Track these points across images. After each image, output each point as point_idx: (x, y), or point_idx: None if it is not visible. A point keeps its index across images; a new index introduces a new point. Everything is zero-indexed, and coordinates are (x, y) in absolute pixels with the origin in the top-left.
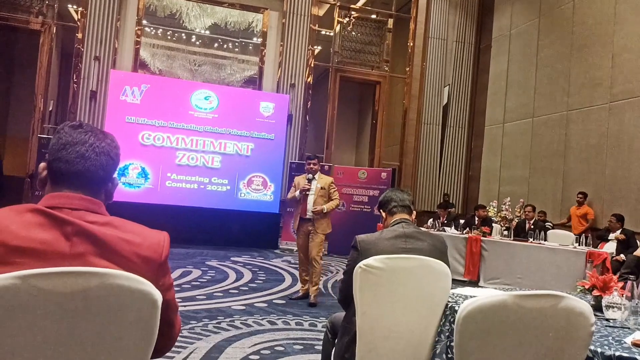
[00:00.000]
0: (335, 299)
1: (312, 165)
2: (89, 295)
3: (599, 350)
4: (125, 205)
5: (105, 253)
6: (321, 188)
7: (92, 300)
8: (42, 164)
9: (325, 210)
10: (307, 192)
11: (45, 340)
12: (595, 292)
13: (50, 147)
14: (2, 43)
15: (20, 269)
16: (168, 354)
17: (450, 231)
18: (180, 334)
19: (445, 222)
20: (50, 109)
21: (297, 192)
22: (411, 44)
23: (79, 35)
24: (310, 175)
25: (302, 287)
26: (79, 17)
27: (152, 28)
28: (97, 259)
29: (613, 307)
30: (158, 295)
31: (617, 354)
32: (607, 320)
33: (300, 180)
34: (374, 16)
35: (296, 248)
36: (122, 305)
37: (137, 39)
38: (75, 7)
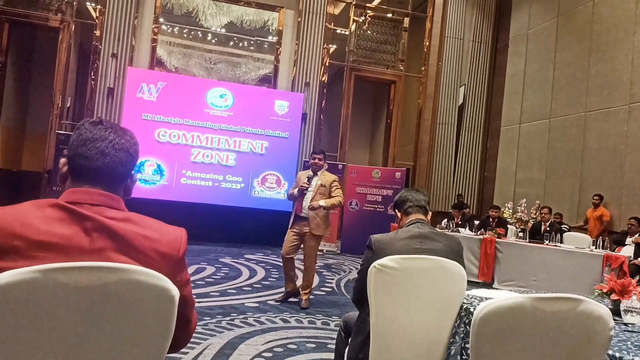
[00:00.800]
0: (348, 298)
1: (317, 160)
2: (108, 290)
3: (617, 355)
4: (140, 201)
5: (124, 248)
6: (321, 185)
7: (111, 295)
8: (63, 160)
9: (323, 207)
10: (306, 191)
11: (63, 334)
12: (614, 296)
13: (71, 143)
14: (22, 40)
15: (40, 263)
16: (182, 350)
17: (465, 232)
18: None
19: (460, 223)
20: (68, 105)
21: (296, 190)
22: (427, 44)
23: (97, 33)
24: (311, 173)
25: (288, 284)
26: (97, 15)
27: (168, 26)
28: (116, 254)
29: (632, 312)
30: (175, 291)
31: (636, 359)
32: (626, 324)
33: (302, 175)
34: (389, 15)
35: None
36: (140, 301)
37: (154, 37)
38: (93, 4)
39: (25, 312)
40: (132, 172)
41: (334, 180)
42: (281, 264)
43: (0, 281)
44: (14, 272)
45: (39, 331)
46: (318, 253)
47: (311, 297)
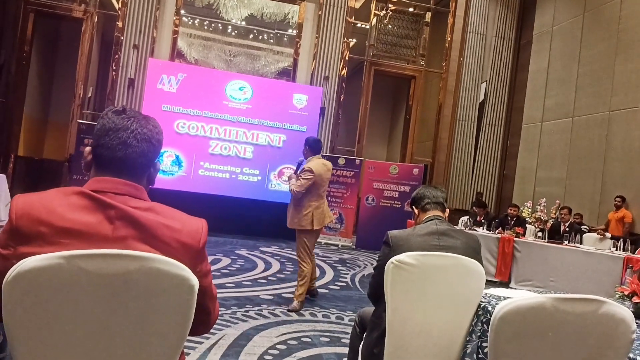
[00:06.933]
0: (362, 293)
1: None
2: (130, 277)
3: (639, 358)
4: (158, 192)
5: (146, 237)
6: None
7: (132, 283)
8: (87, 148)
9: None
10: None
11: (85, 319)
12: (635, 299)
13: (95, 133)
14: (46, 30)
15: (65, 250)
16: (197, 340)
17: (482, 231)
18: None
19: (484, 221)
20: (90, 95)
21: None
22: (449, 39)
23: (119, 24)
24: (302, 158)
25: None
26: (120, 6)
27: (189, 18)
28: (138, 243)
29: None
30: (195, 281)
31: None
32: None
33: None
34: (411, 9)
35: (325, 241)
36: (160, 289)
37: (175, 29)
38: None
39: (49, 297)
40: (155, 160)
41: None
42: (295, 258)
43: (26, 266)
44: (40, 257)
45: (63, 315)
46: (332, 247)
47: (324, 290)
